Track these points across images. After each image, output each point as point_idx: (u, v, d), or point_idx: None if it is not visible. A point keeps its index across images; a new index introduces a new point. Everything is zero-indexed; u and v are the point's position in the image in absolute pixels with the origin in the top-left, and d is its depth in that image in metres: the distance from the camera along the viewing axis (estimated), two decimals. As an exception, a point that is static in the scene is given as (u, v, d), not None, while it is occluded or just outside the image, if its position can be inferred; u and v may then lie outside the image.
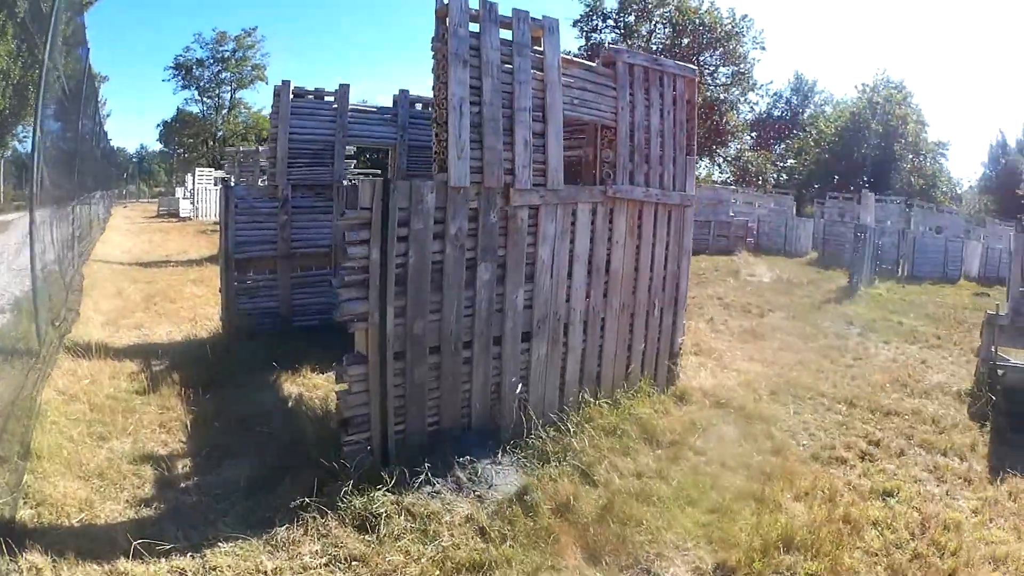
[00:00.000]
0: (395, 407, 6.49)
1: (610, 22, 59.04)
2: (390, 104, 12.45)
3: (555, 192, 7.49)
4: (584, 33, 58.70)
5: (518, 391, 7.42)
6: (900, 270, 29.78)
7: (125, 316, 12.47)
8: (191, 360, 9.51)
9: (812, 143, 60.76)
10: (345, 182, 11.72)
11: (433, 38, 6.61)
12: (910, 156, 56.75)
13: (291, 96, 11.26)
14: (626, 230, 8.45)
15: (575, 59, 8.07)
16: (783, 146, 67.46)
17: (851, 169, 56.38)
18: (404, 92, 12.35)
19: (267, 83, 73.69)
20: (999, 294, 25.28)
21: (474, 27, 6.73)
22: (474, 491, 6.08)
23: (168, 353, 9.96)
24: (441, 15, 6.57)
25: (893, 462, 7.48)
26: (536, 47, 7.30)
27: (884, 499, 6.52)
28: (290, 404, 8.36)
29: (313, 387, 8.86)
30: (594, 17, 58.83)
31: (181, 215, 41.62)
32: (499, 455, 6.73)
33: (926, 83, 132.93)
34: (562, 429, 7.19)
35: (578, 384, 8.08)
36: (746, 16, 57.71)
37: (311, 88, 11.58)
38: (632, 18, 58.39)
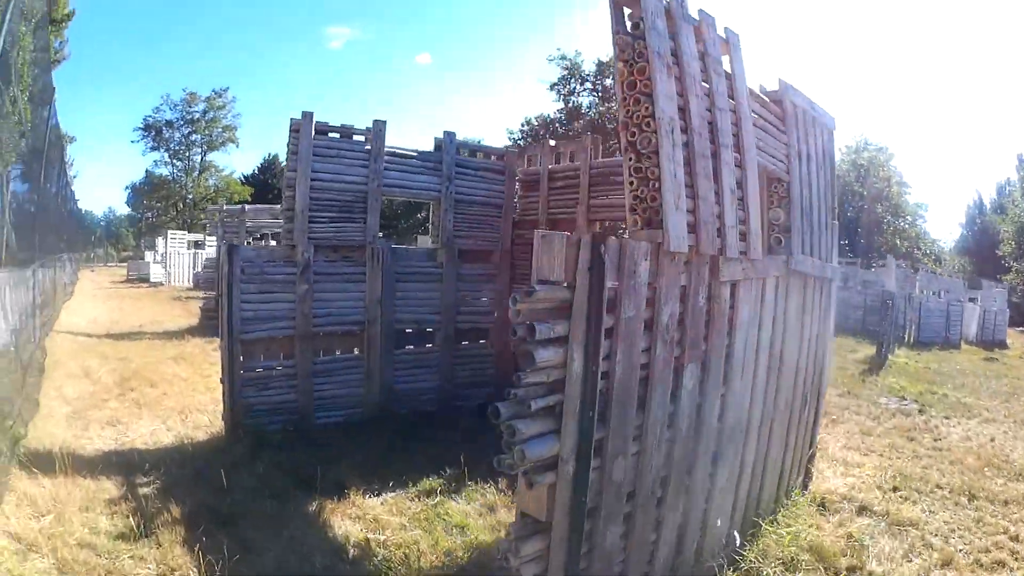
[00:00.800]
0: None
1: (588, 85, 58.40)
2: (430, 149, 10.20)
3: (754, 264, 5.49)
4: (562, 96, 57.96)
5: (708, 530, 5.51)
6: (907, 336, 28.73)
7: (96, 406, 9.95)
8: (191, 479, 7.05)
9: (802, 207, 59.93)
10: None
11: (615, 29, 4.49)
12: (889, 218, 56.53)
13: (313, 132, 8.94)
14: (796, 311, 6.61)
15: (752, 90, 6.08)
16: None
17: (840, 232, 55.90)
18: (450, 135, 10.09)
19: (238, 146, 73.39)
20: (1004, 357, 26.95)
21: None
22: None
23: (158, 466, 7.41)
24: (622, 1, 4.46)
25: (1040, 558, 6.65)
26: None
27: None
28: (352, 554, 5.77)
29: (375, 524, 6.28)
30: (571, 80, 58.16)
31: (152, 280, 39.32)
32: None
33: (901, 145, 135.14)
34: (741, 569, 5.64)
35: (744, 507, 6.20)
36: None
37: (336, 124, 9.25)
38: (610, 80, 57.72)
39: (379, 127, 9.34)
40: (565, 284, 3.74)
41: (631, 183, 4.48)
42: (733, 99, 5.39)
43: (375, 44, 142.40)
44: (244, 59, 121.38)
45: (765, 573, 5.61)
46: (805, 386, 7.25)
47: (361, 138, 9.36)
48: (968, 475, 9.03)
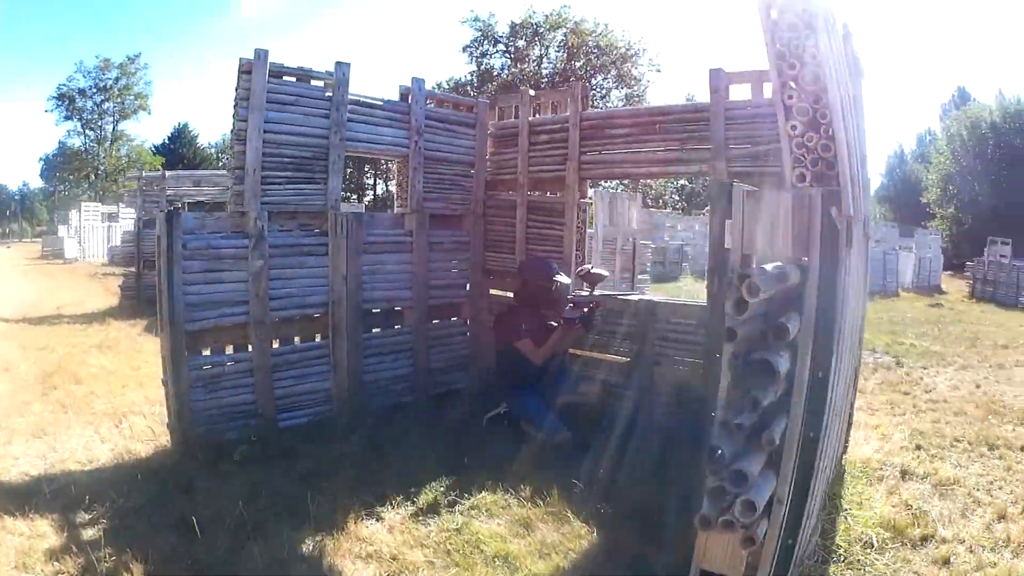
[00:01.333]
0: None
1: (500, 47, 58.22)
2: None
3: (857, 227, 4.68)
4: (474, 58, 57.87)
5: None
6: (847, 286, 28.76)
7: (18, 410, 8.41)
8: (146, 514, 5.54)
9: (714, 162, 60.36)
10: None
11: None
12: (811, 170, 57.73)
13: (267, 77, 7.29)
14: (858, 273, 5.82)
15: None
16: (679, 166, 67.61)
17: (755, 185, 57.00)
18: (418, 81, 8.62)
19: (150, 113, 72.46)
20: (947, 302, 28.12)
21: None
22: None
23: (100, 496, 5.85)
24: None
25: (1076, 502, 6.69)
26: None
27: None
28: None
29: (396, 566, 4.90)
30: (484, 42, 57.96)
31: (67, 256, 37.58)
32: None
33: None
34: (838, 556, 5.23)
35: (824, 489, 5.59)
36: (642, 39, 58.27)
37: (293, 66, 7.61)
38: (523, 42, 57.41)
39: (343, 71, 7.80)
40: (790, 265, 2.57)
41: (793, 127, 3.38)
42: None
43: (284, 9, 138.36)
44: (154, 25, 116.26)
45: (864, 561, 5.18)
46: (852, 354, 6.53)
47: (321, 83, 7.82)
48: (977, 425, 9.02)
